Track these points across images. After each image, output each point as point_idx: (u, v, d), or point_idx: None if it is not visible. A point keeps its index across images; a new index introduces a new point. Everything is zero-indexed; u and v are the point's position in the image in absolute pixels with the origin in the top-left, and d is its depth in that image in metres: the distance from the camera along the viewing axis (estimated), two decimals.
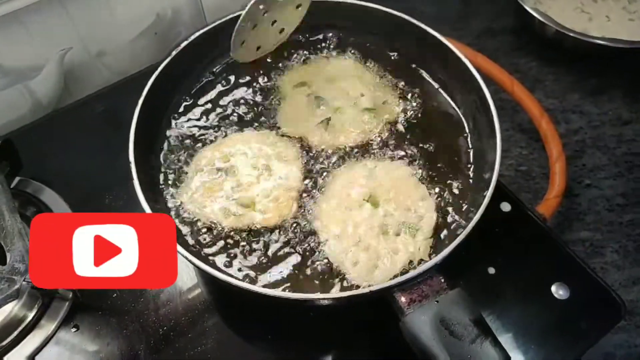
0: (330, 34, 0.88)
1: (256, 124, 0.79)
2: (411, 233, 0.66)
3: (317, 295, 0.60)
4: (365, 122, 0.78)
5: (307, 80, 0.83)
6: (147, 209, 0.63)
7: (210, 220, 0.69)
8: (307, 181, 0.73)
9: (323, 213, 0.69)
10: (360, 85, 0.81)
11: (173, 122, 0.79)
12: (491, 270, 0.75)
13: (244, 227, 0.69)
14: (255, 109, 0.81)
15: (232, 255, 0.67)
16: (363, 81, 0.82)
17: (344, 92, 0.81)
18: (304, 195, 0.72)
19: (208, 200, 0.70)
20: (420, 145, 0.76)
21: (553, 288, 0.73)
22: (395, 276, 0.63)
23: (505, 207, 0.80)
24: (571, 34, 1.03)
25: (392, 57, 0.86)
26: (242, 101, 0.82)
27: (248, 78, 0.84)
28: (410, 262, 0.65)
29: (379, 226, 0.67)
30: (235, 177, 0.72)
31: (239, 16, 0.82)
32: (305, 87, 0.82)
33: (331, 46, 0.87)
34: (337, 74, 0.83)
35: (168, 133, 0.78)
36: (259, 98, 0.82)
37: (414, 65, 0.85)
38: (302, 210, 0.70)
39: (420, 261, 0.65)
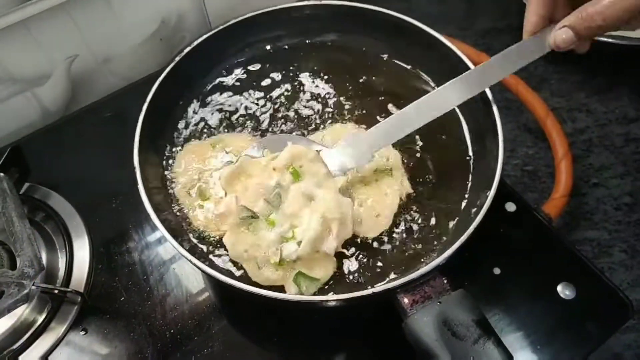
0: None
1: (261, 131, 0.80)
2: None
3: (322, 297, 0.60)
4: None
5: None
6: (152, 214, 0.64)
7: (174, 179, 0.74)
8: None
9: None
10: None
11: (178, 126, 0.80)
12: (496, 271, 0.75)
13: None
14: (258, 115, 0.82)
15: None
16: None
17: None
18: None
19: (193, 163, 0.75)
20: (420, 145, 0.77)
21: (559, 288, 0.73)
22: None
23: (510, 207, 0.80)
24: None
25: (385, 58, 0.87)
26: (247, 107, 0.82)
27: (254, 82, 0.85)
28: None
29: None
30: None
31: (242, 21, 0.84)
32: None
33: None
34: None
35: (174, 137, 0.79)
36: (264, 104, 0.83)
37: (409, 67, 0.86)
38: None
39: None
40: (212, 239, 0.69)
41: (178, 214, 0.71)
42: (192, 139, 0.79)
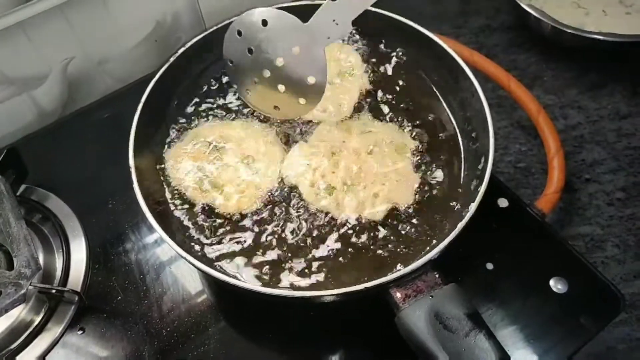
0: None
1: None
2: None
3: (315, 293, 0.61)
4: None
5: None
6: (148, 214, 0.65)
7: (179, 186, 0.74)
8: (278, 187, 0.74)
9: None
10: None
11: (174, 126, 0.81)
12: (489, 266, 0.75)
13: (205, 204, 0.72)
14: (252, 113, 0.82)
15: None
16: None
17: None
18: (272, 196, 0.73)
19: (188, 165, 0.75)
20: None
21: (551, 282, 0.73)
22: None
23: (503, 202, 0.81)
24: (568, 30, 1.03)
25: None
26: (241, 105, 0.83)
27: None
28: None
29: None
30: (221, 157, 0.76)
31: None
32: None
33: None
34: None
35: (169, 137, 0.80)
36: None
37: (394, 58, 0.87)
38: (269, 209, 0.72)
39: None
40: (209, 236, 0.70)
41: (174, 212, 0.72)
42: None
